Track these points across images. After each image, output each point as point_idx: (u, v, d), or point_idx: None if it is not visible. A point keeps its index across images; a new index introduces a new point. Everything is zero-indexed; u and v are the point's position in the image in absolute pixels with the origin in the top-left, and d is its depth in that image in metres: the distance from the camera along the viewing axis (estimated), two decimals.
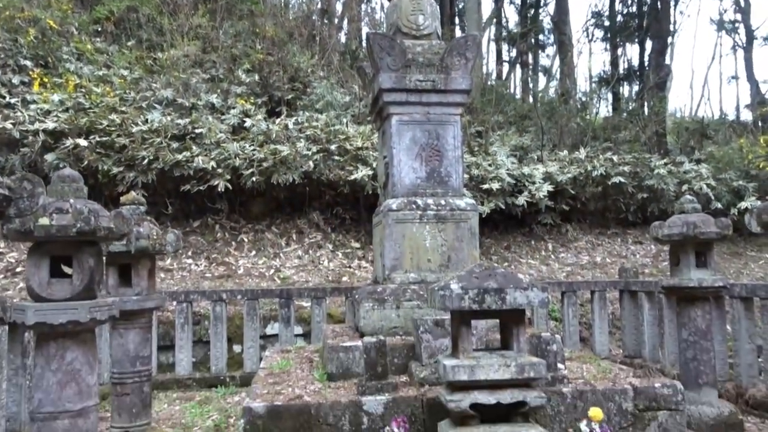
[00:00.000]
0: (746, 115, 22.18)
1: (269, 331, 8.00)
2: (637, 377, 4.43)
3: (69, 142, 9.06)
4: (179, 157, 9.40)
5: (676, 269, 5.07)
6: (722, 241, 11.86)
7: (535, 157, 12.77)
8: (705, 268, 4.95)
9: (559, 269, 10.77)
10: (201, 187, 9.65)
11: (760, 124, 18.82)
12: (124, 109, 10.03)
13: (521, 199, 10.80)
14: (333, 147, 10.34)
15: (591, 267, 10.96)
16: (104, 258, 4.08)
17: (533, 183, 11.02)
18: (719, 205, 11.44)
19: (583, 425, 3.23)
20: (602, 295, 7.93)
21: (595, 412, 3.24)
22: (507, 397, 3.33)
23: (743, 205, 11.15)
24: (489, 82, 19.34)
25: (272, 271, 9.68)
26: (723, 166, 12.90)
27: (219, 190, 9.58)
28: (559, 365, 4.23)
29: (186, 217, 10.55)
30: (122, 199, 4.43)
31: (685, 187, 11.36)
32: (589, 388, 4.10)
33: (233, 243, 10.31)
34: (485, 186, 10.56)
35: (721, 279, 4.89)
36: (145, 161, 9.28)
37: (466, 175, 10.51)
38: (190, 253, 9.87)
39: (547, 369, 3.91)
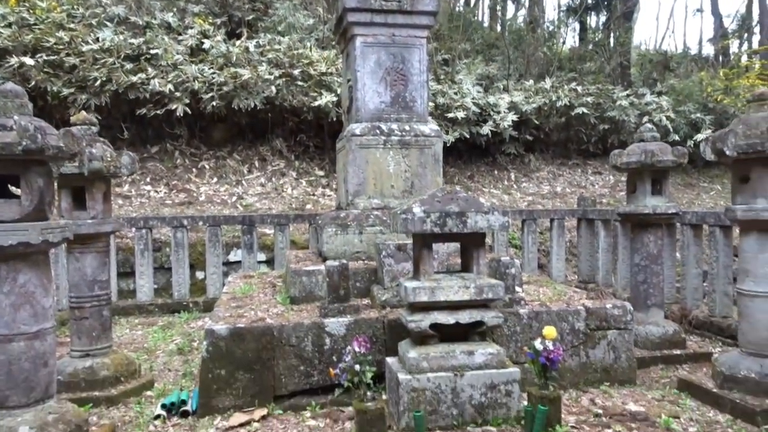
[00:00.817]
0: (708, 49, 22.30)
1: (232, 257, 7.98)
2: (590, 299, 4.61)
3: (14, 60, 8.55)
4: (134, 79, 9.00)
5: (632, 196, 5.19)
6: (677, 171, 12.20)
7: (501, 87, 12.69)
8: (660, 195, 5.08)
9: (521, 198, 10.95)
10: (158, 111, 9.31)
11: (720, 58, 19.00)
12: (72, 26, 9.45)
13: (486, 129, 10.80)
14: (296, 72, 10.03)
15: (551, 197, 11.17)
16: (56, 180, 3.94)
17: (498, 112, 11.00)
18: (677, 137, 11.67)
19: (537, 343, 3.36)
20: (561, 224, 8.12)
21: (549, 331, 3.36)
22: (465, 317, 3.43)
23: (699, 137, 11.40)
24: (457, 8, 18.84)
25: (234, 198, 9.57)
26: (683, 98, 13.08)
27: (177, 114, 9.27)
28: (517, 288, 4.35)
29: (143, 142, 10.23)
30: (72, 118, 4.22)
31: (645, 118, 11.51)
32: (544, 309, 4.25)
33: (194, 170, 10.10)
34: (450, 115, 10.49)
35: (674, 206, 5.03)
36: (98, 83, 8.86)
37: (431, 103, 10.41)
38: (148, 180, 9.65)
39: (506, 291, 4.02)
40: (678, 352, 5.01)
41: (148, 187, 9.49)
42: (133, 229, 7.32)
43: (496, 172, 11.89)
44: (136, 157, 4.48)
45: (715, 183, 12.64)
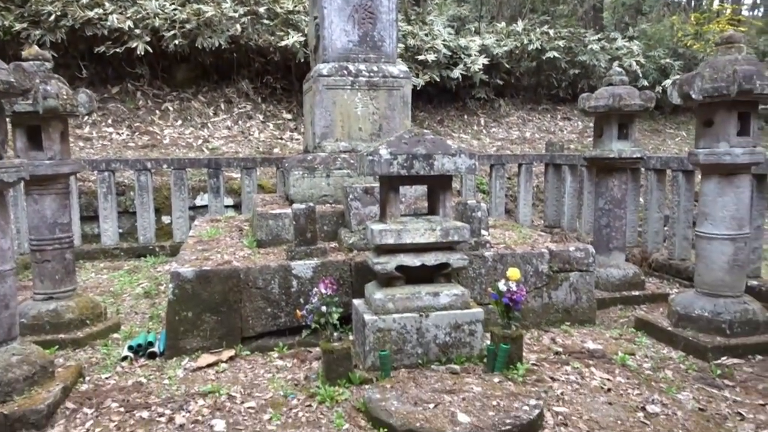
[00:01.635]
0: None
1: (198, 202, 7.87)
2: (554, 242, 4.70)
3: None
4: (90, 14, 8.57)
5: (599, 141, 5.22)
6: (644, 116, 12.30)
7: (473, 29, 12.48)
8: (626, 140, 5.12)
9: (490, 143, 10.96)
10: (118, 50, 8.93)
11: (693, 2, 18.93)
12: None
13: (456, 72, 10.67)
14: (262, 9, 9.68)
15: (520, 142, 11.21)
16: (9, 119, 3.78)
17: (469, 56, 10.85)
18: (646, 83, 11.73)
19: (500, 284, 3.41)
20: (528, 168, 8.18)
21: (512, 273, 3.41)
22: (431, 259, 3.46)
23: (668, 83, 11.43)
24: None
25: (200, 141, 9.36)
26: (653, 43, 13.08)
27: (138, 53, 8.91)
28: (483, 231, 4.40)
29: (103, 82, 9.85)
30: (24, 53, 4.02)
31: (616, 63, 11.51)
32: (509, 252, 4.32)
33: (157, 111, 9.80)
34: (420, 57, 10.31)
35: (639, 150, 5.09)
36: (52, 17, 8.42)
37: (401, 45, 10.20)
38: (110, 122, 9.34)
39: (471, 234, 4.06)
40: (637, 293, 5.17)
41: (110, 129, 9.20)
42: (95, 172, 7.13)
43: (466, 116, 11.83)
44: (95, 95, 4.31)
45: (681, 129, 12.82)
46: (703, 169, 3.99)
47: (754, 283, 4.97)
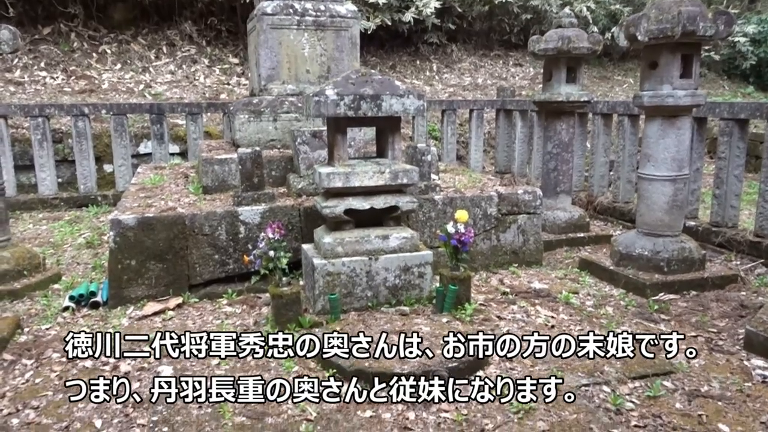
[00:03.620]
0: None
1: (142, 149, 7.58)
2: (503, 186, 4.74)
3: None
4: None
5: (548, 84, 5.23)
6: (593, 62, 12.34)
7: None
8: (574, 83, 5.14)
9: (443, 89, 10.87)
10: None
11: None
12: None
13: (408, 16, 10.42)
14: None
15: (473, 88, 11.15)
16: None
17: None
18: (596, 29, 11.73)
19: (449, 226, 3.43)
20: (480, 114, 8.16)
21: (461, 214, 3.42)
22: (380, 202, 3.44)
23: (616, 29, 11.52)
24: None
25: (142, 86, 8.94)
26: None
27: None
28: (433, 175, 4.39)
29: (33, 22, 9.23)
30: None
31: (567, 8, 11.46)
32: (458, 196, 4.34)
33: (94, 54, 9.28)
34: None
35: (586, 94, 5.13)
36: None
37: None
38: (43, 65, 8.81)
39: (421, 178, 4.05)
40: (582, 235, 5.31)
41: (43, 73, 8.68)
42: (28, 118, 6.74)
43: (418, 62, 11.66)
44: (19, 32, 4.01)
45: (629, 76, 12.99)
46: (647, 111, 4.05)
47: (692, 223, 5.17)
